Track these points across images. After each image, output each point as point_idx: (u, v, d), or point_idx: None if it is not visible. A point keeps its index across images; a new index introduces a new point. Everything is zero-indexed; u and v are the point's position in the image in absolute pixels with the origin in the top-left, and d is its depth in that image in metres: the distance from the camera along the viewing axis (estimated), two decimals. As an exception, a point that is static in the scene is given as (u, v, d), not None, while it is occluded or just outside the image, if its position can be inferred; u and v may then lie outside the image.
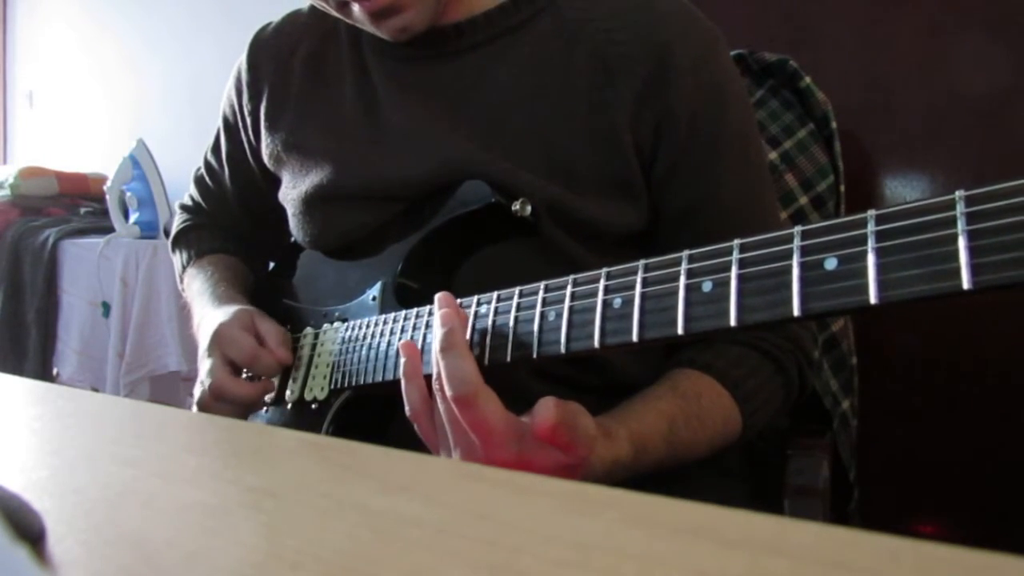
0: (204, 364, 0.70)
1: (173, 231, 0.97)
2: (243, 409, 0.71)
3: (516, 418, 0.50)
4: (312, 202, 0.75)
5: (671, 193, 0.69)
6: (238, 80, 0.84)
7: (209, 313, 0.77)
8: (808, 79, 0.99)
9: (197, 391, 0.71)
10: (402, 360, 0.55)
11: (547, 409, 0.48)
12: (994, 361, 1.14)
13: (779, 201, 0.96)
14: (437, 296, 0.54)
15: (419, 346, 0.57)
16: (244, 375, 0.71)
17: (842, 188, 0.99)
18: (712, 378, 0.64)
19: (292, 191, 0.78)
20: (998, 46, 1.11)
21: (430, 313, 0.58)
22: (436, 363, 0.50)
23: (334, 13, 0.69)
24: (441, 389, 0.50)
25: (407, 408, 0.54)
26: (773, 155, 0.98)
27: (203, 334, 0.74)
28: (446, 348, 0.50)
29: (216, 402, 0.69)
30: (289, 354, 0.71)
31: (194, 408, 0.72)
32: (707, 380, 0.64)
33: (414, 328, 0.60)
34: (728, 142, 0.69)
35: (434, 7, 0.68)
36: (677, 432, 0.59)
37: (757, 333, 0.67)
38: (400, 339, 0.61)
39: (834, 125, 0.99)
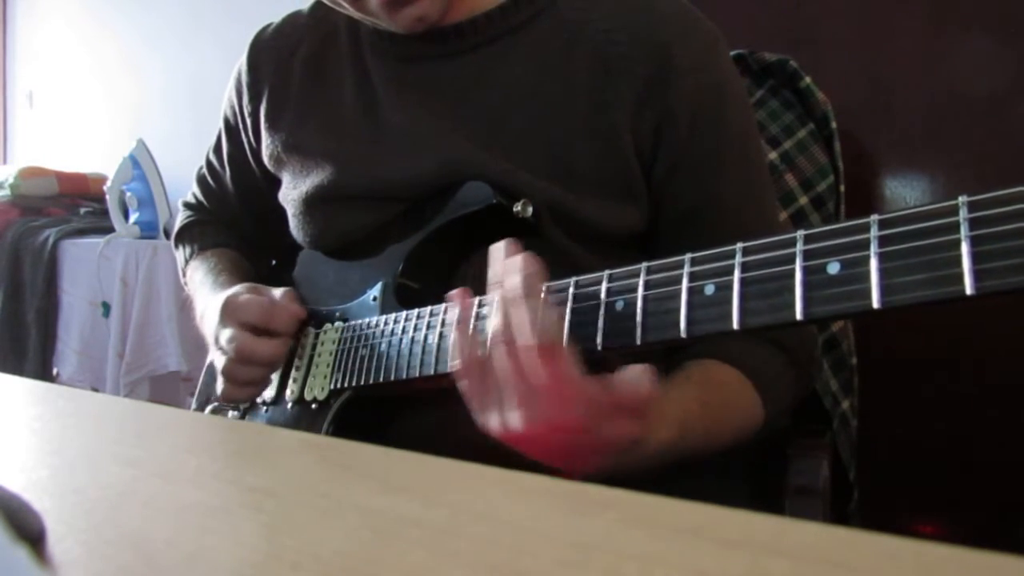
0: (223, 334, 0.69)
1: (176, 227, 0.97)
2: (267, 371, 0.70)
3: (591, 378, 0.47)
4: (312, 203, 0.75)
5: (672, 194, 0.69)
6: (238, 81, 0.84)
7: (212, 300, 0.77)
8: (808, 79, 0.99)
9: (220, 361, 0.69)
10: (455, 309, 0.52)
11: (646, 379, 0.45)
12: (994, 361, 1.14)
13: (779, 201, 0.96)
14: (502, 245, 0.51)
15: (429, 347, 0.57)
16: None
17: (842, 188, 0.99)
18: (733, 367, 0.64)
19: (292, 192, 0.78)
20: (998, 46, 1.11)
21: (431, 314, 0.58)
22: (505, 311, 0.48)
23: (347, 8, 0.69)
24: (509, 340, 0.47)
25: (456, 360, 0.51)
26: (773, 155, 0.98)
27: (209, 316, 0.74)
28: (530, 293, 0.47)
29: (243, 366, 0.68)
30: (302, 308, 0.71)
31: (219, 380, 0.71)
32: (728, 369, 0.63)
33: (415, 328, 0.60)
34: (729, 142, 0.69)
35: None
36: (711, 417, 0.58)
37: None
38: (401, 340, 0.61)
39: (834, 125, 0.99)
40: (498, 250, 0.51)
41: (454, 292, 0.53)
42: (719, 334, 0.40)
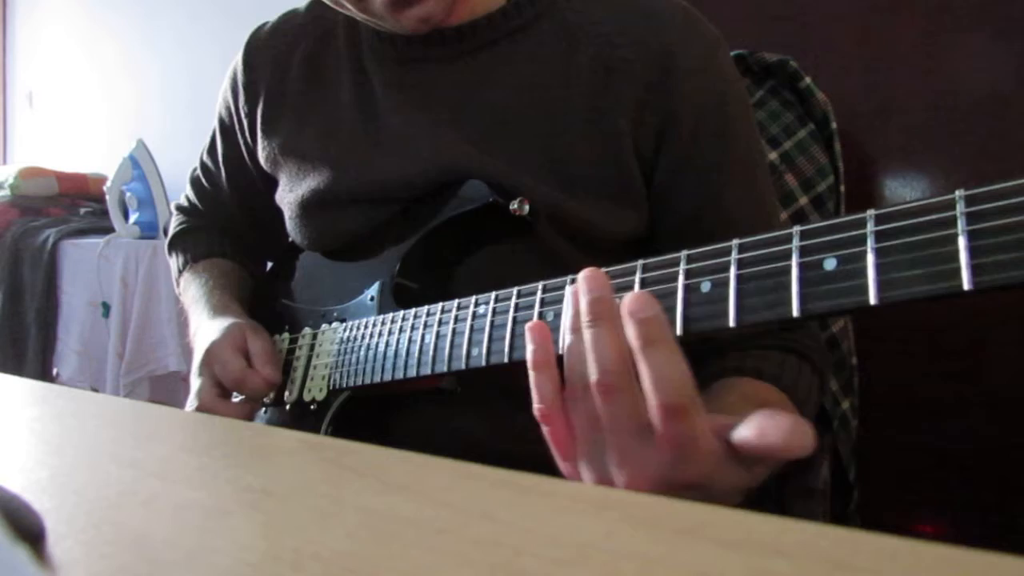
0: (195, 383, 0.71)
1: (169, 233, 0.97)
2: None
3: (715, 425, 0.40)
4: (309, 206, 0.75)
5: (675, 198, 0.69)
6: (234, 81, 0.84)
7: (204, 324, 0.77)
8: (808, 79, 0.99)
9: (188, 409, 0.72)
10: (530, 347, 0.44)
11: (806, 435, 0.36)
12: (994, 361, 1.14)
13: (779, 202, 0.96)
14: (591, 277, 0.42)
15: (427, 346, 0.57)
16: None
17: (842, 188, 0.99)
18: (768, 384, 0.61)
19: (289, 194, 0.77)
20: (998, 46, 1.11)
21: (428, 313, 0.58)
22: (611, 359, 0.40)
23: (351, 9, 0.68)
24: (616, 390, 0.40)
25: (537, 404, 0.43)
26: (773, 155, 0.98)
27: (197, 347, 0.74)
28: (654, 341, 0.39)
29: None
30: (277, 373, 0.71)
31: None
32: (765, 386, 0.61)
33: (412, 328, 0.60)
34: (732, 145, 0.69)
35: None
36: None
37: (786, 335, 0.66)
38: (399, 339, 0.61)
39: (834, 125, 0.99)
40: (585, 279, 0.42)
41: (531, 325, 0.45)
42: (716, 331, 0.40)
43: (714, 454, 0.40)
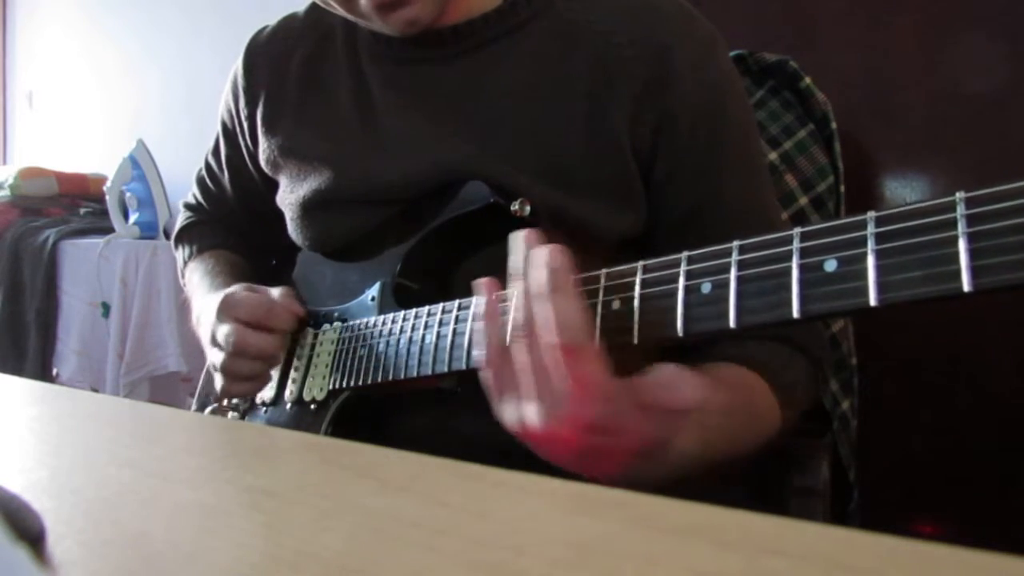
0: (220, 330, 0.69)
1: (176, 228, 0.98)
2: (264, 366, 0.70)
3: (619, 378, 0.46)
4: (310, 207, 0.75)
5: (672, 196, 0.68)
6: (234, 85, 0.84)
7: (209, 299, 0.76)
8: (808, 79, 0.99)
9: (217, 357, 0.70)
10: (481, 298, 0.51)
11: (685, 382, 0.44)
12: (993, 362, 1.14)
13: (779, 202, 0.95)
14: (523, 234, 0.49)
15: (427, 346, 0.57)
16: None
17: (842, 189, 0.99)
18: (754, 371, 0.62)
19: (290, 196, 0.77)
20: (998, 46, 1.11)
21: (429, 313, 0.58)
22: (528, 307, 0.46)
23: (339, 9, 0.68)
24: (531, 335, 0.46)
25: (480, 352, 0.50)
26: (773, 155, 0.98)
27: (205, 316, 0.74)
28: (555, 289, 0.45)
29: (240, 359, 0.68)
30: (300, 306, 0.71)
31: (216, 377, 0.71)
32: (750, 373, 0.62)
33: (412, 328, 0.60)
34: (729, 143, 0.69)
35: (441, 0, 0.67)
36: (734, 426, 0.56)
37: (785, 328, 0.66)
38: (399, 339, 0.60)
39: (834, 126, 0.99)
40: (518, 239, 0.49)
41: (481, 281, 0.51)
42: (716, 332, 0.40)
43: (613, 398, 0.44)
